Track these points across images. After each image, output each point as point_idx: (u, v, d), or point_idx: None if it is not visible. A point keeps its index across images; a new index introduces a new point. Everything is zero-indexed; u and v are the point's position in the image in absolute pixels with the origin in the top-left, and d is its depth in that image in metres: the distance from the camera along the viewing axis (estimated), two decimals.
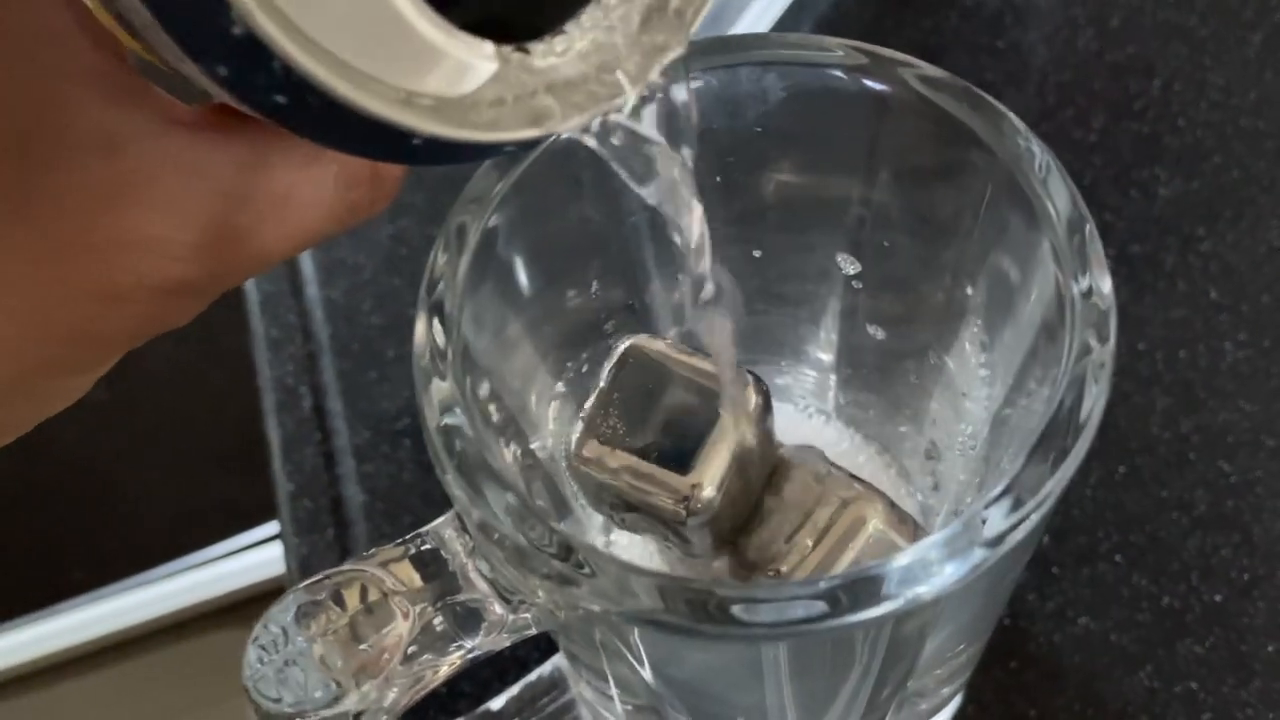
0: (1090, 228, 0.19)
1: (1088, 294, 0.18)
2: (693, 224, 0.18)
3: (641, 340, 0.27)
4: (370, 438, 0.41)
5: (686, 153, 0.17)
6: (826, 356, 0.30)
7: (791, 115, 0.22)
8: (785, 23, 0.47)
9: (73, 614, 0.74)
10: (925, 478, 0.31)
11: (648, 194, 0.17)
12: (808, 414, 0.32)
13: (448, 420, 0.18)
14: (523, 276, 0.23)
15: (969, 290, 0.23)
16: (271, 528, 0.73)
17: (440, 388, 0.19)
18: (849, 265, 0.25)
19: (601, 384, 0.26)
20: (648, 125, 0.17)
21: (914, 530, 0.27)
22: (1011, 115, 0.20)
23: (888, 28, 0.47)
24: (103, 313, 0.17)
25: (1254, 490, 0.36)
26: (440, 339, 0.19)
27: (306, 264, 0.45)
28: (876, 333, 0.27)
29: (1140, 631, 0.34)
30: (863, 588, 0.17)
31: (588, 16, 0.16)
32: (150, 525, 0.80)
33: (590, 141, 0.17)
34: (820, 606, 0.17)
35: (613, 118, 0.16)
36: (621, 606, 0.16)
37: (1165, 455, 0.37)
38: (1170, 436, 0.37)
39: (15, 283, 0.16)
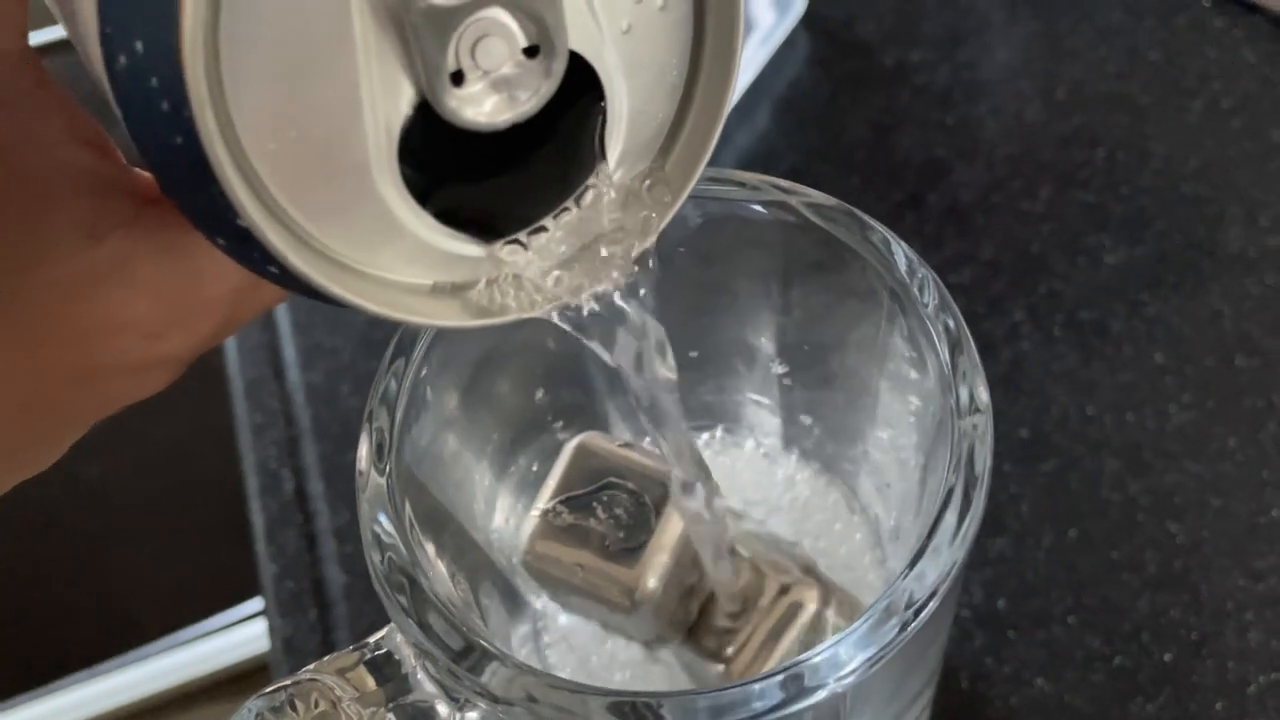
0: (970, 348, 0.20)
1: (970, 404, 0.20)
2: (666, 397, 0.20)
3: (590, 437, 0.28)
4: (350, 519, 0.42)
5: (652, 327, 0.19)
6: (772, 440, 0.31)
7: (709, 238, 0.24)
8: (744, 105, 0.49)
9: (68, 693, 0.75)
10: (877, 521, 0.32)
11: (624, 371, 0.19)
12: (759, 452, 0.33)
13: (390, 555, 0.20)
14: (460, 401, 0.24)
15: (878, 388, 0.25)
16: (258, 603, 0.75)
17: (377, 512, 0.20)
18: (777, 366, 0.27)
19: (552, 481, 0.28)
20: (625, 306, 0.18)
21: (850, 610, 0.28)
22: (894, 239, 0.22)
23: (843, 106, 0.49)
24: (78, 393, 0.17)
25: (1201, 550, 0.37)
26: (379, 471, 0.21)
27: (288, 349, 0.47)
28: (808, 421, 0.29)
29: (1094, 692, 0.35)
30: (791, 684, 0.19)
31: (574, 216, 0.17)
32: (141, 601, 0.82)
33: (574, 330, 0.18)
34: (754, 709, 0.18)
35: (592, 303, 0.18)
36: None
37: (1116, 517, 0.38)
38: (1120, 499, 0.38)
39: None
